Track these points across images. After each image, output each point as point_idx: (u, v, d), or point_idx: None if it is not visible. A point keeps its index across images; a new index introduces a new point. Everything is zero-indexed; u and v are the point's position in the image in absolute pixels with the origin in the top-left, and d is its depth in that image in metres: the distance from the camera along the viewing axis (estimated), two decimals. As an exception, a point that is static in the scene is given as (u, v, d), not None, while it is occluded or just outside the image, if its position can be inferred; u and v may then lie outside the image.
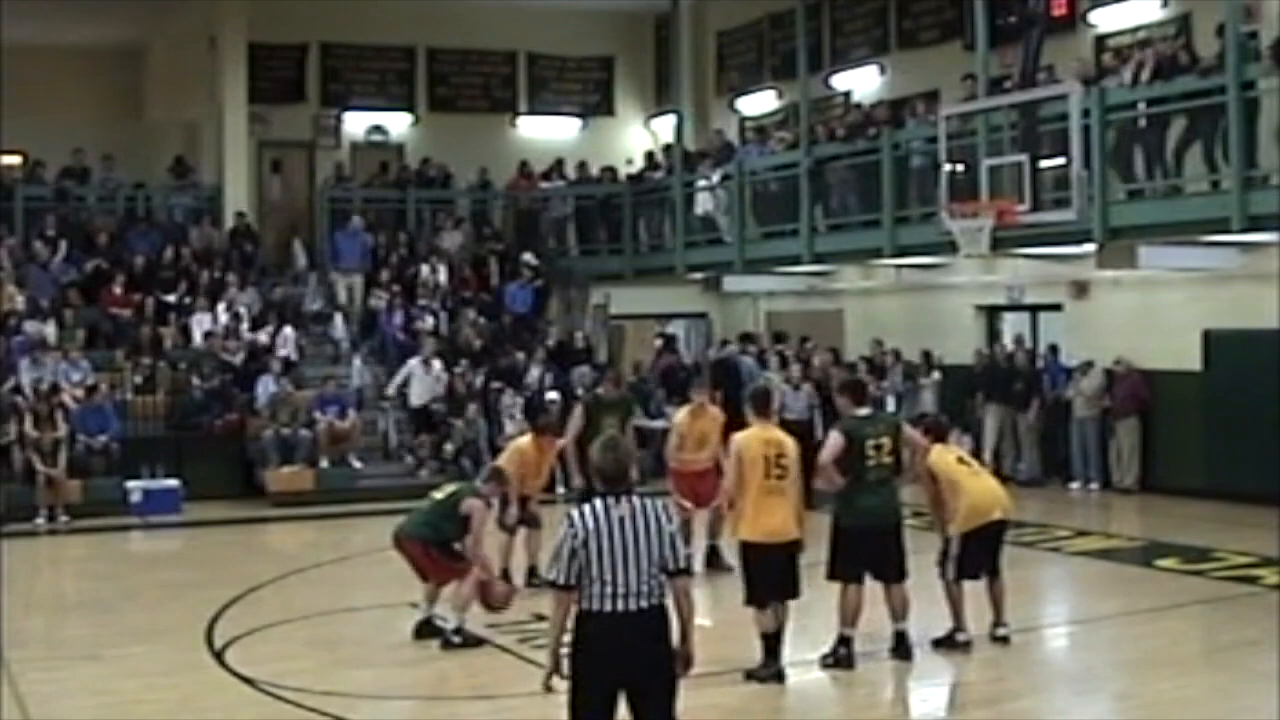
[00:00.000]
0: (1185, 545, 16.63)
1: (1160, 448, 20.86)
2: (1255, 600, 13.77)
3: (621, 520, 7.08)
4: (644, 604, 7.05)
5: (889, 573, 11.35)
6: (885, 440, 11.26)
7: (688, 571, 7.33)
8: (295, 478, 21.78)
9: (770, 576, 10.92)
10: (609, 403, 15.60)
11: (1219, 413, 19.83)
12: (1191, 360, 20.21)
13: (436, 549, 12.23)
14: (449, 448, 22.76)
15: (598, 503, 7.14)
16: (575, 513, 7.13)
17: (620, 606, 7.02)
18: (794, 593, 11.03)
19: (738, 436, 11.23)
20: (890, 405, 23.01)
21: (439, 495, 12.55)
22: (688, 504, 14.83)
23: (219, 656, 12.00)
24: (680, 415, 15.66)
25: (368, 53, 30.80)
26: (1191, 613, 13.69)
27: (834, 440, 11.27)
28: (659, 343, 27.46)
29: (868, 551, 11.27)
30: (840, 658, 11.32)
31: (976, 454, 22.34)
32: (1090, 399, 21.42)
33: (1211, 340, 20.02)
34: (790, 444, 11.10)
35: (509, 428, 22.63)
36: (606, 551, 7.02)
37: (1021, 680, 11.25)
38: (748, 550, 10.99)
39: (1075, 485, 21.71)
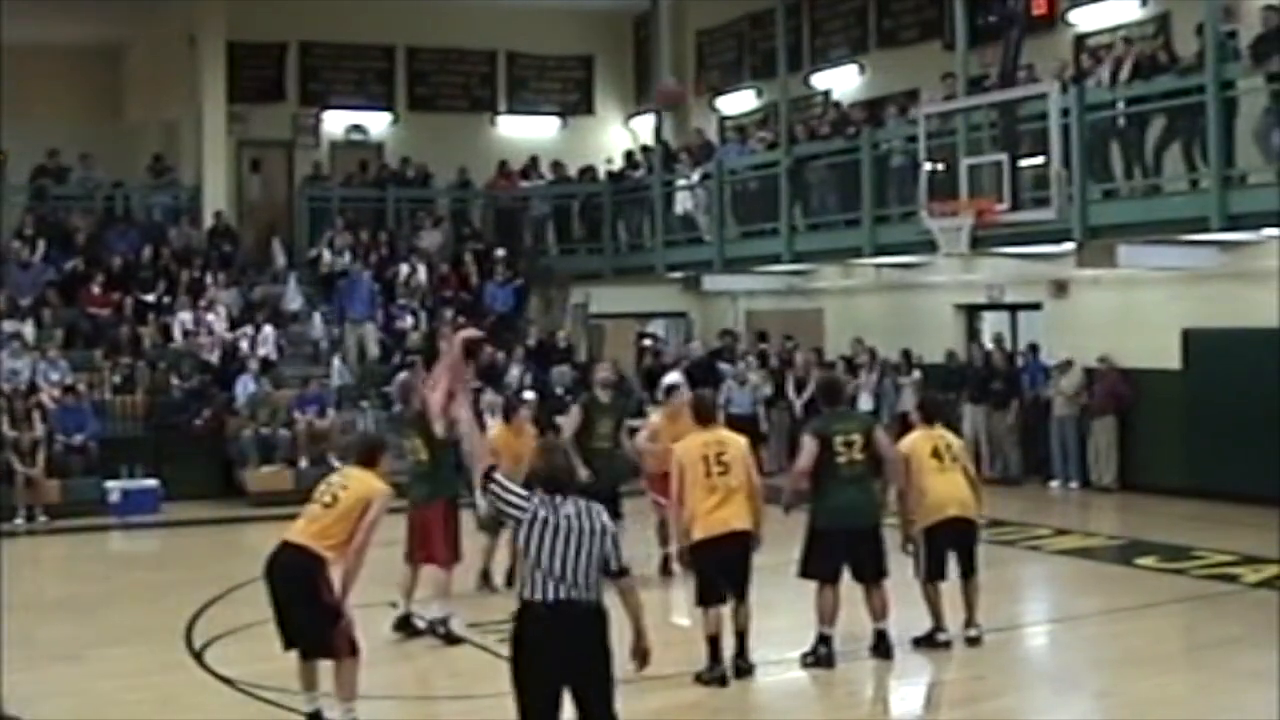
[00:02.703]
0: (1165, 544, 16.64)
1: (1140, 446, 20.89)
2: (1235, 598, 13.80)
3: (567, 516, 7.33)
4: (582, 597, 7.26)
5: (867, 573, 11.35)
6: (856, 437, 11.26)
7: (627, 572, 7.52)
8: (274, 477, 21.72)
9: (721, 570, 10.85)
10: (605, 404, 15.50)
11: (1198, 411, 19.87)
12: (1171, 359, 20.25)
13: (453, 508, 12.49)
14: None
15: (544, 498, 7.42)
16: (534, 498, 7.40)
17: (559, 594, 7.23)
18: (743, 586, 10.92)
19: (676, 447, 11.26)
20: (868, 404, 23.10)
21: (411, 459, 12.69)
22: (663, 500, 14.56)
23: (198, 656, 11.97)
24: (656, 416, 15.56)
25: (347, 52, 30.77)
26: (1171, 611, 13.72)
27: (807, 445, 11.34)
28: (647, 342, 27.46)
29: (843, 551, 11.25)
30: (820, 656, 11.30)
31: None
32: (1070, 398, 21.45)
33: (1191, 339, 20.07)
34: (734, 442, 11.12)
35: (490, 426, 22.58)
36: (549, 540, 7.26)
37: (1001, 679, 11.26)
38: (698, 549, 10.88)
39: (1055, 484, 21.73)
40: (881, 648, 11.42)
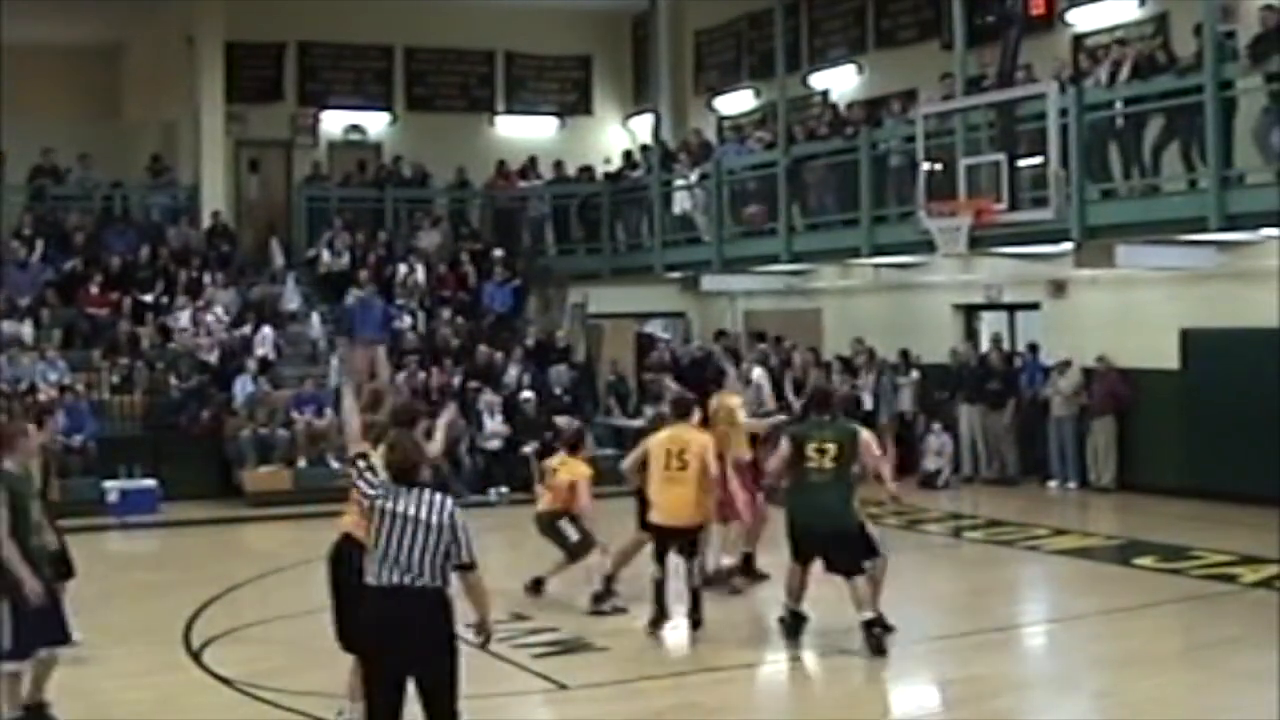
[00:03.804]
0: (1163, 543, 16.65)
1: (1138, 446, 20.89)
2: (1233, 598, 13.81)
3: (413, 507, 7.52)
4: (421, 584, 7.44)
5: (838, 569, 11.75)
6: (830, 445, 11.74)
7: (473, 566, 7.64)
8: (273, 477, 21.72)
9: (670, 545, 12.30)
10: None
11: (1197, 411, 19.88)
12: (1169, 359, 20.26)
13: None
14: (427, 447, 22.69)
15: (393, 488, 7.68)
16: (385, 488, 7.76)
17: (398, 580, 7.44)
18: (690, 557, 12.22)
19: (648, 440, 12.72)
20: (867, 404, 23.14)
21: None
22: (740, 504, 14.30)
23: (197, 657, 11.96)
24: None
25: (345, 52, 30.77)
26: (1169, 611, 13.72)
27: (782, 446, 12.09)
28: (661, 345, 27.49)
29: (809, 546, 11.79)
30: (787, 625, 11.97)
31: (955, 453, 22.60)
32: (1068, 398, 21.46)
33: (1189, 339, 20.08)
34: (696, 440, 12.38)
35: (488, 426, 22.63)
36: (392, 526, 7.48)
37: (999, 678, 11.26)
38: (653, 529, 12.43)
39: (1053, 484, 21.74)
40: (870, 637, 11.51)
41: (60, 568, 11.09)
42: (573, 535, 13.85)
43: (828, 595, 12.01)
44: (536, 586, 13.91)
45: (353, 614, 9.03)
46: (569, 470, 14.02)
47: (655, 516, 12.39)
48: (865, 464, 12.00)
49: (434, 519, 7.49)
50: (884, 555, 11.95)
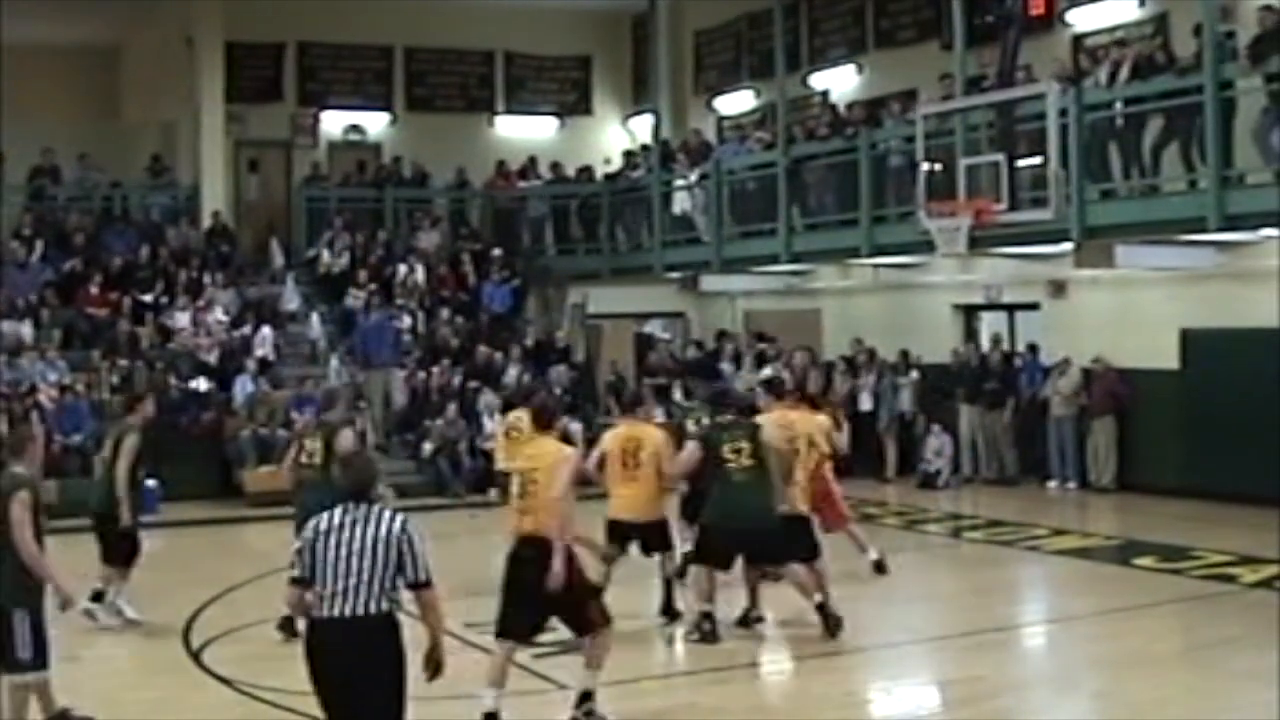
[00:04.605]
0: (1163, 544, 16.66)
1: (1138, 446, 20.90)
2: (1232, 599, 13.82)
3: (352, 524, 7.19)
4: (363, 611, 7.10)
5: (764, 563, 12.29)
6: (744, 444, 12.02)
7: (428, 584, 7.29)
8: (272, 477, 21.62)
9: (631, 542, 12.75)
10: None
11: (1196, 411, 19.88)
12: (1169, 359, 20.26)
13: None
14: (427, 447, 22.74)
15: (336, 510, 7.30)
16: (316, 518, 7.33)
17: (339, 611, 7.11)
18: (658, 550, 12.75)
19: (604, 436, 13.22)
20: (867, 404, 23.16)
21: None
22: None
23: (196, 656, 11.98)
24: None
25: (345, 52, 30.77)
26: (1169, 611, 13.73)
27: (689, 449, 12.52)
28: (675, 348, 27.65)
29: (732, 545, 12.00)
30: (704, 632, 12.01)
31: (955, 452, 22.61)
32: (1067, 398, 21.46)
33: (1189, 339, 20.08)
34: (651, 438, 12.72)
35: (488, 427, 22.63)
36: (331, 557, 7.15)
37: (999, 678, 11.26)
38: (610, 524, 12.68)
39: (1053, 484, 21.75)
40: (826, 619, 11.99)
41: None
42: None
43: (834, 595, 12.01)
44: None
45: None
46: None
47: (610, 513, 12.77)
48: (833, 443, 13.15)
49: (384, 533, 7.17)
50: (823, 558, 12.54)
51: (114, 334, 23.88)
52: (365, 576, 7.10)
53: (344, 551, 7.13)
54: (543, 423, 10.38)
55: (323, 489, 11.67)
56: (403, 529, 7.21)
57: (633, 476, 12.57)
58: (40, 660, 9.35)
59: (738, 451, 11.96)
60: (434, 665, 7.42)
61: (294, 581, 7.34)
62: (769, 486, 11.93)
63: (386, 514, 7.28)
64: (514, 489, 10.00)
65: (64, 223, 26.75)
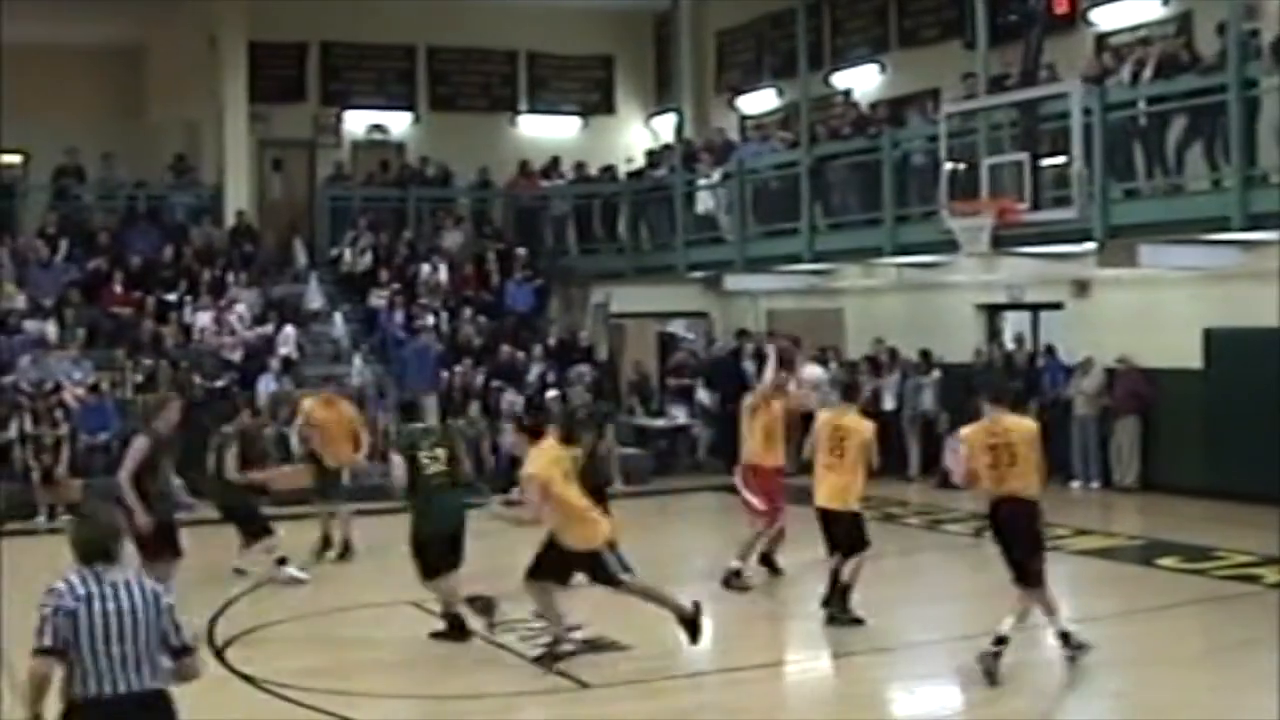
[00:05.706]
0: (1186, 544, 16.62)
1: (1161, 446, 20.86)
2: (1256, 600, 13.77)
3: (115, 588, 6.30)
4: (142, 686, 6.33)
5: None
6: (440, 451, 12.47)
7: (191, 649, 6.60)
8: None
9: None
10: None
11: (1219, 411, 19.83)
12: (1192, 359, 20.22)
13: None
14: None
15: (85, 572, 6.34)
16: (62, 581, 6.34)
17: (115, 689, 6.25)
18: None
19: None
20: (890, 404, 23.13)
21: None
22: (761, 504, 14.63)
23: (220, 654, 12.01)
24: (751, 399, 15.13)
25: (368, 51, 30.85)
26: (1191, 612, 13.70)
27: (395, 462, 12.84)
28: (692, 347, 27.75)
29: (441, 550, 12.26)
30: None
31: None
32: (1090, 397, 21.43)
33: (1212, 339, 20.03)
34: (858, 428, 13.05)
35: (506, 432, 22.60)
36: (100, 625, 6.23)
37: (1019, 679, 11.23)
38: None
39: (1076, 484, 21.70)
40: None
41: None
42: None
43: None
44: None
45: None
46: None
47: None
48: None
49: (149, 596, 6.33)
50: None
51: (138, 333, 23.97)
52: (140, 646, 6.27)
53: (118, 617, 6.24)
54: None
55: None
56: (159, 593, 6.42)
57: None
58: None
59: (434, 458, 12.42)
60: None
61: (42, 652, 6.30)
62: (463, 491, 12.64)
63: (136, 579, 6.41)
64: None
65: (88, 222, 26.90)
